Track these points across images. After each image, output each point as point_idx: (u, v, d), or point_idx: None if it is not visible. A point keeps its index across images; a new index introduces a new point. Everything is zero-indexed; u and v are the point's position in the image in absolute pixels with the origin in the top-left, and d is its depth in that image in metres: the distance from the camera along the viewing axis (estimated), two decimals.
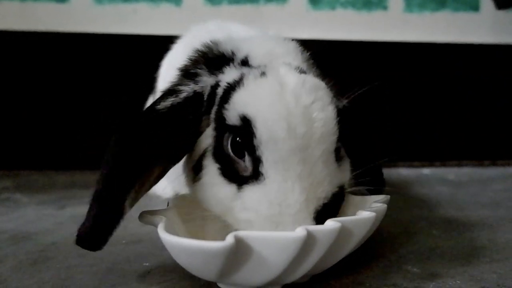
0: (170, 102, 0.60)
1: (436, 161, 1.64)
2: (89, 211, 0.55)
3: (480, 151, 1.67)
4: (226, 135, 0.58)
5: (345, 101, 0.68)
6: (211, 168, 0.59)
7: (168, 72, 0.93)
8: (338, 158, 0.61)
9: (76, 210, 0.99)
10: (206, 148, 0.61)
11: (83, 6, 1.52)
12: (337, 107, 0.60)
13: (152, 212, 0.62)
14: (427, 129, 1.65)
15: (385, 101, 1.59)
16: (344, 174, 0.62)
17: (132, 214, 0.67)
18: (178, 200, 0.70)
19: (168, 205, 0.67)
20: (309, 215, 0.54)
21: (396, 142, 1.62)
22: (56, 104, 1.51)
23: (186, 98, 0.61)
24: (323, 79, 0.65)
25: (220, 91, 0.61)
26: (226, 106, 0.58)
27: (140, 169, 0.57)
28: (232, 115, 0.57)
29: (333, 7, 1.61)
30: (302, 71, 0.62)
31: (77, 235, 0.55)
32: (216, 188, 0.58)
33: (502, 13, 1.68)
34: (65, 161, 1.50)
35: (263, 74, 0.59)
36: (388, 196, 0.68)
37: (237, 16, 1.56)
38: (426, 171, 1.53)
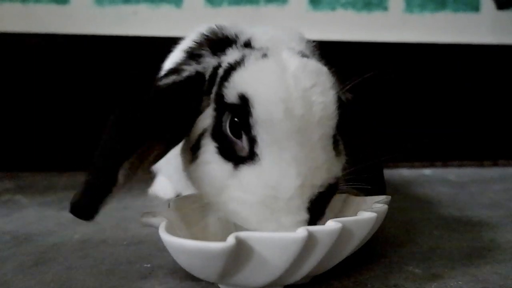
0: (172, 80, 0.60)
1: (437, 161, 1.63)
2: (83, 181, 0.56)
3: (481, 152, 1.67)
4: (225, 115, 0.58)
5: (349, 94, 0.68)
6: (208, 147, 0.59)
7: None
8: (336, 149, 0.60)
9: None
10: (206, 128, 0.61)
11: (84, 8, 1.52)
12: (338, 93, 0.59)
13: (153, 214, 0.62)
14: (427, 129, 1.64)
15: (385, 101, 1.59)
16: (340, 168, 0.61)
17: (133, 215, 0.67)
18: (179, 202, 0.69)
19: (169, 206, 0.67)
20: (302, 204, 0.53)
21: (397, 143, 1.62)
22: (57, 105, 1.51)
23: (188, 77, 0.61)
24: (326, 66, 0.65)
25: (221, 71, 0.61)
26: (226, 84, 0.58)
27: (136, 141, 0.57)
28: (231, 94, 0.57)
29: (333, 8, 1.61)
30: (304, 55, 0.62)
31: (70, 203, 0.55)
32: (212, 166, 0.58)
33: (502, 14, 1.68)
34: (66, 162, 1.50)
35: (264, 55, 0.59)
36: (389, 197, 0.68)
37: (237, 17, 1.56)
38: (427, 171, 1.53)
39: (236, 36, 0.65)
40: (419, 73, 1.63)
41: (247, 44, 0.64)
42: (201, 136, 0.61)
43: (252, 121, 0.55)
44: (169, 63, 1.05)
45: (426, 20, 1.65)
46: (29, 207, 1.04)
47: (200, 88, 0.62)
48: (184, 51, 0.67)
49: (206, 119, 0.61)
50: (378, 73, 0.66)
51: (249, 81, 0.56)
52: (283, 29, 0.70)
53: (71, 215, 0.96)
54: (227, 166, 0.57)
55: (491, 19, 1.68)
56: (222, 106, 0.58)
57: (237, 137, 0.57)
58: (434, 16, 1.65)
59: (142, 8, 1.54)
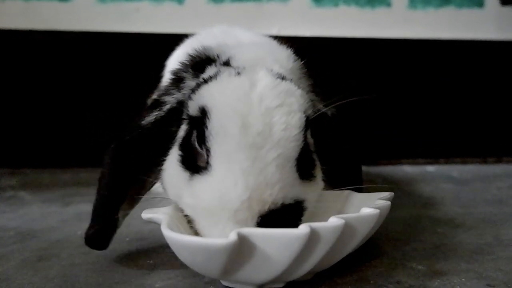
0: (154, 117, 0.65)
1: (441, 158, 1.63)
2: (91, 220, 0.64)
3: (484, 148, 1.66)
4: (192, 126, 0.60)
5: (332, 109, 0.69)
6: (173, 156, 0.61)
7: None
8: (306, 174, 0.58)
9: (80, 208, 0.99)
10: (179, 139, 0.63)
11: (86, 5, 1.52)
12: (308, 117, 0.59)
13: (155, 210, 0.62)
14: (431, 126, 1.64)
15: (388, 98, 1.59)
16: (309, 192, 0.58)
17: (135, 212, 0.67)
18: None
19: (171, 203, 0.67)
20: (251, 218, 0.52)
21: (401, 140, 1.61)
22: (60, 102, 1.51)
23: (169, 110, 0.65)
24: (312, 90, 0.67)
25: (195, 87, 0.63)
26: (192, 96, 0.60)
27: (127, 185, 0.64)
28: (193, 106, 0.59)
29: (336, 4, 1.60)
30: (281, 77, 0.61)
31: (85, 238, 0.64)
32: (172, 173, 0.61)
33: (506, 9, 1.67)
34: (69, 159, 1.50)
35: (238, 73, 0.60)
36: (392, 193, 0.68)
37: (240, 14, 1.56)
38: (430, 168, 1.53)
39: (218, 56, 0.67)
40: (422, 69, 1.63)
41: (226, 63, 0.65)
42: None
43: (207, 132, 0.56)
44: (172, 62, 1.06)
45: (429, 16, 1.64)
46: (32, 203, 1.04)
47: (181, 114, 0.63)
48: (171, 72, 0.70)
49: (182, 131, 0.63)
50: (361, 97, 0.69)
51: (212, 94, 0.58)
52: (271, 48, 0.72)
53: (74, 212, 0.97)
54: (184, 175, 0.58)
55: (495, 15, 1.67)
56: (187, 118, 0.61)
57: (202, 148, 0.58)
58: (437, 12, 1.65)
59: (145, 5, 1.54)
